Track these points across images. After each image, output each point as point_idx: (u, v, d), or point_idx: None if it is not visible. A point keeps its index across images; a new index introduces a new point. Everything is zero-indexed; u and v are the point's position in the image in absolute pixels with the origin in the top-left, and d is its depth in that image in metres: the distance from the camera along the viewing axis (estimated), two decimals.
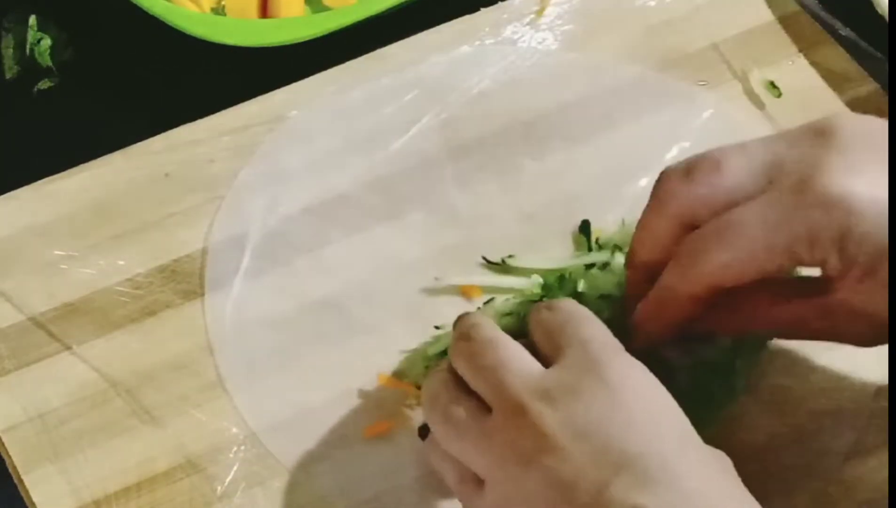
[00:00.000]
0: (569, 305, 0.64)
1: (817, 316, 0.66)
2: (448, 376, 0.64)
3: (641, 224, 0.68)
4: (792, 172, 0.63)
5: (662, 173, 0.66)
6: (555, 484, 0.58)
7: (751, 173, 0.64)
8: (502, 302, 0.73)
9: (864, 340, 0.67)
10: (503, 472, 0.60)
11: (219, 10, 0.86)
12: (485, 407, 0.62)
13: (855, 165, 0.62)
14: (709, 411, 0.69)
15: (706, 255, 0.64)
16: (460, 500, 0.64)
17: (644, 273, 0.68)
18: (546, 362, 0.62)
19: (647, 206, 0.67)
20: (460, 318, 0.66)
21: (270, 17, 0.86)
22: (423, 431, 0.66)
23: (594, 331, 0.63)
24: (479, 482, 0.62)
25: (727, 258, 0.63)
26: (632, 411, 0.59)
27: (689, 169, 0.65)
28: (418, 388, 0.71)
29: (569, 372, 0.61)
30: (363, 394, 0.72)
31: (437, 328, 0.73)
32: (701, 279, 0.64)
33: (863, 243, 0.62)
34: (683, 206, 0.65)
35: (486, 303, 0.74)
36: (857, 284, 0.63)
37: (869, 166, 0.62)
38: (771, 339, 0.71)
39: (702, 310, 0.66)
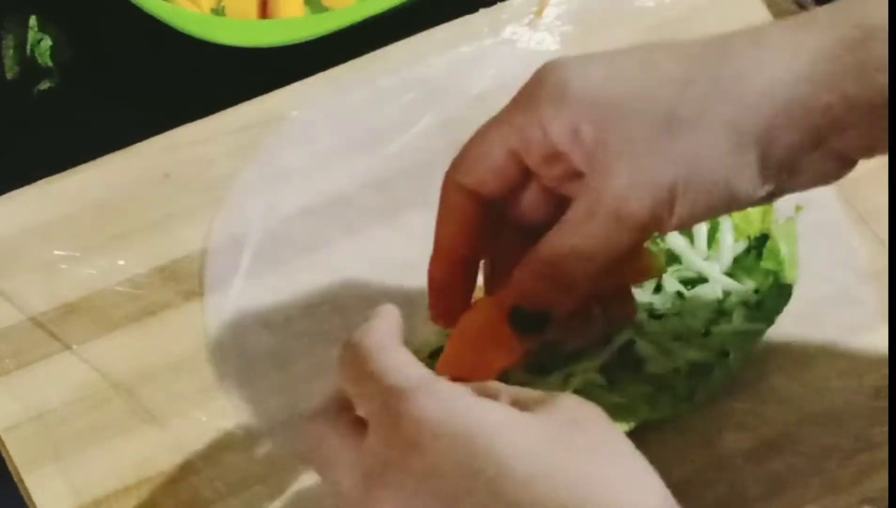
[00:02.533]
0: (357, 345, 0.58)
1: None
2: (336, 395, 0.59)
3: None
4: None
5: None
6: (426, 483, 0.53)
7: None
8: None
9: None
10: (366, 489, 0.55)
11: (218, 11, 0.86)
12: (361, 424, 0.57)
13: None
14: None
15: None
16: None
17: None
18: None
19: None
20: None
21: (270, 17, 0.86)
22: None
23: (386, 379, 0.56)
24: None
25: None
26: (437, 467, 0.53)
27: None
28: None
29: (385, 440, 0.55)
30: None
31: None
32: None
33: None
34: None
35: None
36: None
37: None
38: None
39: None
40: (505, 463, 0.53)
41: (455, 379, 0.57)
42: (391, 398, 0.55)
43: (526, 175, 0.65)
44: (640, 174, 0.61)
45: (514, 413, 0.55)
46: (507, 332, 0.64)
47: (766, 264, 0.74)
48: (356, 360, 0.58)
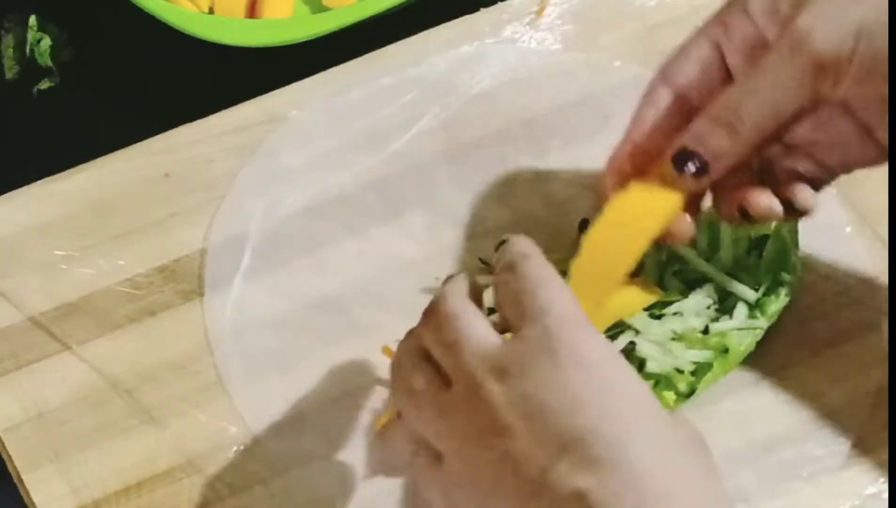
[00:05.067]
0: (531, 268, 0.62)
1: (822, 136, 0.68)
2: (415, 345, 0.62)
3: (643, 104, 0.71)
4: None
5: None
6: (504, 464, 0.57)
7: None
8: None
9: (871, 156, 0.69)
10: (459, 448, 0.59)
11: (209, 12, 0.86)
12: (446, 379, 0.60)
13: None
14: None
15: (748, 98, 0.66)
16: (413, 474, 0.62)
17: (634, 167, 0.70)
18: (512, 329, 0.60)
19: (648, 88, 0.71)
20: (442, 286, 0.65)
21: (257, 18, 0.86)
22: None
23: (553, 301, 0.60)
24: (436, 454, 0.60)
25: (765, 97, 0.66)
26: (580, 388, 0.57)
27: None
28: None
29: (523, 347, 0.59)
30: (363, 394, 0.72)
31: None
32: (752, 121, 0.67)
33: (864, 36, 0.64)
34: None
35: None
36: (855, 85, 0.65)
37: None
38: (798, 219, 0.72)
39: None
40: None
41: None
42: (469, 380, 0.59)
43: (727, 77, 0.69)
44: (829, 8, 0.64)
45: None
46: (668, 174, 0.68)
47: (766, 264, 0.74)
48: (437, 324, 0.61)
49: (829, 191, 0.79)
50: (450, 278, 0.64)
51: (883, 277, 0.76)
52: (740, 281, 0.73)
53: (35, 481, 0.70)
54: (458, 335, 0.60)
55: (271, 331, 0.74)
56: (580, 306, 0.60)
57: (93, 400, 0.72)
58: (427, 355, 0.61)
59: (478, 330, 0.60)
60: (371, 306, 0.75)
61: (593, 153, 0.81)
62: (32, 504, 0.69)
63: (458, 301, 0.62)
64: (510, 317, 0.61)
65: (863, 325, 0.75)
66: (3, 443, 0.71)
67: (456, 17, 0.86)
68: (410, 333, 0.63)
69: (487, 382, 0.58)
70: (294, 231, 0.78)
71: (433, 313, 0.62)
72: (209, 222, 0.78)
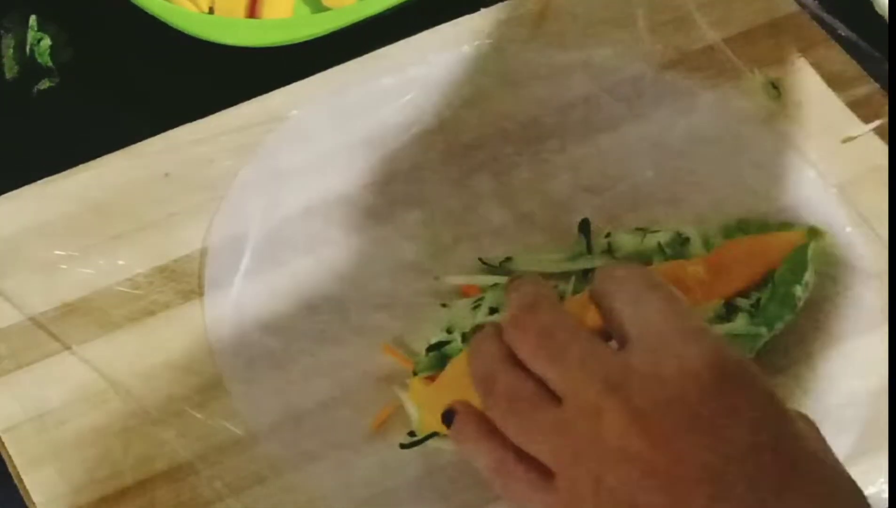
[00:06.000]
0: (634, 274, 0.60)
1: None
2: (501, 351, 0.61)
3: None
4: None
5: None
6: (640, 482, 0.55)
7: None
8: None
9: None
10: (579, 468, 0.57)
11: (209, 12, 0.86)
12: (552, 393, 0.59)
13: None
14: None
15: None
16: (506, 488, 0.60)
17: None
18: (619, 339, 0.59)
19: None
20: (514, 289, 0.62)
21: (257, 18, 0.86)
22: (448, 416, 0.63)
23: (662, 305, 0.59)
24: (541, 473, 0.58)
25: None
26: (724, 402, 0.56)
27: None
28: (415, 374, 0.71)
29: (643, 360, 0.57)
30: (362, 394, 0.72)
31: (443, 305, 0.74)
32: None
33: None
34: None
35: (476, 301, 0.74)
36: None
37: None
38: None
39: None
40: None
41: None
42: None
43: None
44: None
45: None
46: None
47: (781, 275, 0.73)
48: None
49: (830, 191, 0.79)
50: (516, 278, 0.63)
51: (883, 277, 0.76)
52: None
53: (35, 481, 0.70)
54: (565, 348, 0.59)
55: (271, 331, 0.74)
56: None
57: (93, 400, 0.72)
58: (518, 363, 0.60)
59: (591, 347, 0.59)
60: (371, 306, 0.75)
61: (593, 153, 0.81)
62: (32, 504, 0.69)
63: (555, 313, 0.60)
64: (611, 327, 0.59)
65: (863, 325, 0.75)
66: (3, 443, 0.71)
67: (456, 17, 0.86)
68: (490, 335, 0.62)
69: (607, 402, 0.56)
70: (294, 231, 0.78)
71: (526, 324, 0.60)
72: (209, 222, 0.78)
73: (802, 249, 0.74)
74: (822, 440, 0.59)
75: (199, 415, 0.72)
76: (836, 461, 0.58)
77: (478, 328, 0.68)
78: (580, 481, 0.57)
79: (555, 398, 0.58)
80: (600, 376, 0.57)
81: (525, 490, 0.59)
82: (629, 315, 0.59)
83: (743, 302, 0.72)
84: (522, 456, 0.59)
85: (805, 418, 0.60)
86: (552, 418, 0.58)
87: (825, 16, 0.87)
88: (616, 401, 0.56)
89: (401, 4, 0.84)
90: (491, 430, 0.60)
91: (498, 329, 0.62)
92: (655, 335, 0.58)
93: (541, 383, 0.59)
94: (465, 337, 0.71)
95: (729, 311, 0.72)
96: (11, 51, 0.87)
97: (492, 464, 0.60)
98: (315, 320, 0.75)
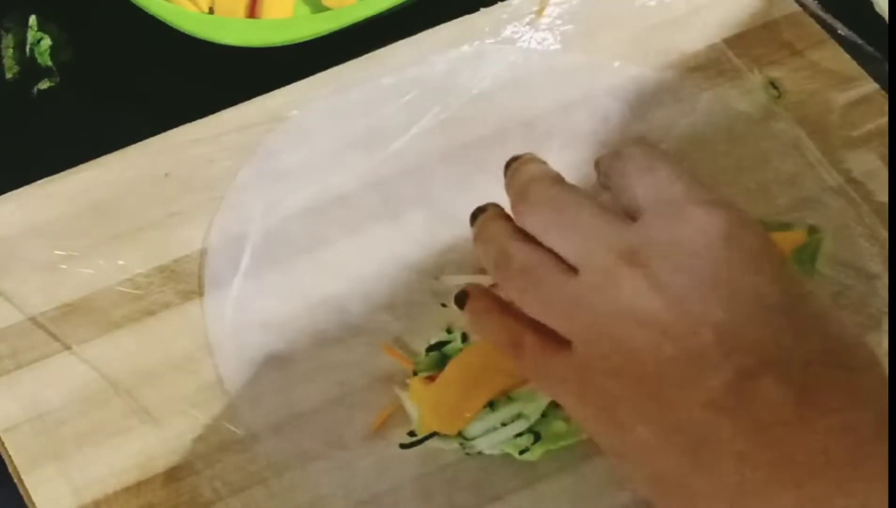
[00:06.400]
0: (639, 150, 0.61)
1: None
2: (510, 228, 0.61)
3: None
4: None
5: None
6: (654, 349, 0.56)
7: None
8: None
9: None
10: (598, 334, 0.57)
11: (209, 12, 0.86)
12: (566, 264, 0.59)
13: None
14: None
15: None
16: (523, 360, 0.61)
17: None
18: (627, 210, 0.59)
19: None
20: (517, 167, 0.62)
21: (258, 17, 0.86)
22: (461, 298, 0.63)
23: (671, 174, 0.59)
24: (558, 342, 0.59)
25: None
26: (736, 263, 0.56)
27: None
28: (415, 374, 0.71)
29: (657, 227, 0.58)
30: (362, 394, 0.72)
31: (443, 305, 0.74)
32: None
33: None
34: None
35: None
36: None
37: None
38: None
39: None
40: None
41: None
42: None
43: None
44: None
45: None
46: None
47: None
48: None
49: (830, 191, 0.79)
50: (515, 158, 0.63)
51: (883, 277, 0.76)
52: None
53: (35, 481, 0.70)
54: (579, 222, 0.59)
55: (271, 331, 0.74)
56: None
57: (93, 400, 0.72)
58: (529, 238, 0.60)
59: (599, 214, 0.59)
60: (371, 306, 0.75)
61: (593, 153, 0.81)
62: (32, 504, 0.69)
63: (556, 185, 0.60)
64: (623, 201, 0.59)
65: (863, 325, 0.75)
66: (3, 443, 0.71)
67: (456, 17, 0.86)
68: (495, 216, 0.62)
69: (623, 269, 0.57)
70: (294, 231, 0.78)
71: (535, 197, 0.60)
72: (209, 222, 0.78)
73: (802, 249, 0.74)
74: (833, 307, 0.59)
75: (199, 415, 0.72)
76: (844, 325, 0.58)
77: (477, 210, 0.67)
78: (598, 347, 0.57)
79: (570, 269, 0.59)
80: (616, 244, 0.58)
81: (542, 361, 0.60)
82: (641, 186, 0.59)
83: None
84: (538, 328, 0.59)
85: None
86: (569, 288, 0.58)
87: (825, 16, 0.87)
88: (633, 268, 0.57)
89: (401, 4, 0.84)
90: (504, 306, 0.61)
91: (500, 209, 0.62)
92: (668, 203, 0.58)
93: (554, 254, 0.59)
94: (465, 337, 0.71)
95: None
96: (11, 51, 0.87)
97: (508, 338, 0.61)
98: (315, 320, 0.75)
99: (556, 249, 0.59)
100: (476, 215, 0.65)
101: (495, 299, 0.62)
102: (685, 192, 0.59)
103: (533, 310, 0.60)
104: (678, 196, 0.59)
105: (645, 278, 0.57)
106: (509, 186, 0.63)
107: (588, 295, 0.58)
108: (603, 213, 0.59)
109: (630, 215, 0.60)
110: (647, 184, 0.60)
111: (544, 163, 0.63)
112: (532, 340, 0.60)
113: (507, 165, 0.64)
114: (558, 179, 0.62)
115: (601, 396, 0.58)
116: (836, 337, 0.57)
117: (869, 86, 0.83)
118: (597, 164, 0.64)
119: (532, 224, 0.61)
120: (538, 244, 0.60)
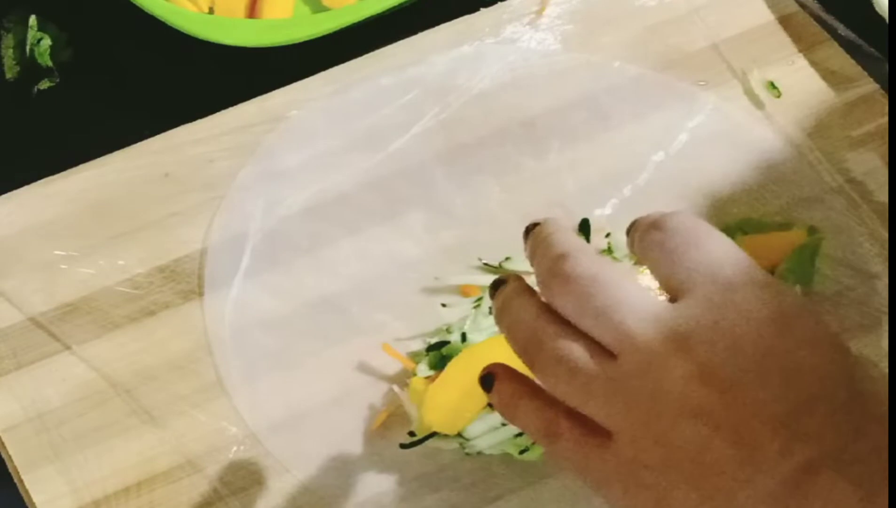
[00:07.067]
0: (682, 221, 0.56)
1: None
2: (537, 307, 0.56)
3: None
4: None
5: None
6: (711, 437, 0.52)
7: None
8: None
9: None
10: (641, 425, 0.53)
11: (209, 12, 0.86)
12: (605, 349, 0.54)
13: None
14: None
15: None
16: (558, 450, 0.56)
17: None
18: (671, 292, 0.55)
19: None
20: (535, 235, 0.58)
21: (257, 17, 0.86)
22: (488, 381, 0.58)
23: (720, 251, 0.55)
24: (597, 432, 0.55)
25: None
26: (791, 350, 0.53)
27: None
28: (415, 374, 0.71)
29: (704, 310, 0.54)
30: (362, 394, 0.72)
31: (443, 305, 0.74)
32: None
33: None
34: None
35: (476, 301, 0.74)
36: None
37: None
38: None
39: None
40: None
41: None
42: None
43: None
44: None
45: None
46: None
47: (784, 272, 0.73)
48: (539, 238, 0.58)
49: (829, 191, 0.79)
50: (535, 225, 0.59)
51: (883, 277, 0.76)
52: None
53: (35, 481, 0.70)
54: (617, 302, 0.54)
55: (271, 331, 0.74)
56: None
57: (93, 400, 0.72)
58: (559, 318, 0.56)
59: (638, 294, 0.55)
60: (371, 306, 0.75)
61: (593, 153, 0.81)
62: (32, 504, 0.69)
63: (593, 261, 0.56)
64: (662, 280, 0.56)
65: (863, 325, 0.75)
66: (3, 443, 0.71)
67: (456, 17, 0.86)
68: (519, 292, 0.58)
69: (668, 355, 0.53)
70: (294, 231, 0.78)
71: (565, 280, 0.56)
72: (209, 222, 0.78)
73: (802, 249, 0.74)
74: (886, 381, 0.56)
75: (199, 415, 0.72)
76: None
77: (497, 283, 0.60)
78: (642, 439, 0.53)
79: (607, 353, 0.54)
80: (659, 328, 0.54)
81: (580, 452, 0.55)
82: (686, 263, 0.55)
83: None
84: (572, 415, 0.55)
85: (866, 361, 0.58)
86: (608, 375, 0.54)
87: (825, 16, 0.87)
88: (678, 354, 0.53)
89: (401, 4, 0.84)
90: (534, 390, 0.57)
91: (523, 284, 0.58)
92: (716, 284, 0.54)
93: (589, 338, 0.55)
94: (464, 337, 0.71)
95: None
96: (11, 51, 0.87)
97: (541, 427, 0.56)
98: (315, 320, 0.75)
99: (592, 332, 0.55)
100: (496, 286, 0.60)
101: (525, 383, 0.57)
102: (735, 273, 0.55)
103: (568, 399, 0.55)
104: (728, 277, 0.55)
105: (691, 366, 0.53)
106: (534, 258, 0.58)
107: (629, 382, 0.54)
108: (642, 292, 0.55)
109: (670, 293, 0.56)
110: (693, 261, 0.55)
111: (569, 230, 0.58)
112: (569, 428, 0.55)
113: (527, 231, 0.60)
114: (588, 253, 0.56)
115: (650, 491, 0.54)
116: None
117: (869, 86, 0.83)
118: (631, 230, 0.59)
119: (564, 305, 0.56)
120: (568, 324, 0.56)
